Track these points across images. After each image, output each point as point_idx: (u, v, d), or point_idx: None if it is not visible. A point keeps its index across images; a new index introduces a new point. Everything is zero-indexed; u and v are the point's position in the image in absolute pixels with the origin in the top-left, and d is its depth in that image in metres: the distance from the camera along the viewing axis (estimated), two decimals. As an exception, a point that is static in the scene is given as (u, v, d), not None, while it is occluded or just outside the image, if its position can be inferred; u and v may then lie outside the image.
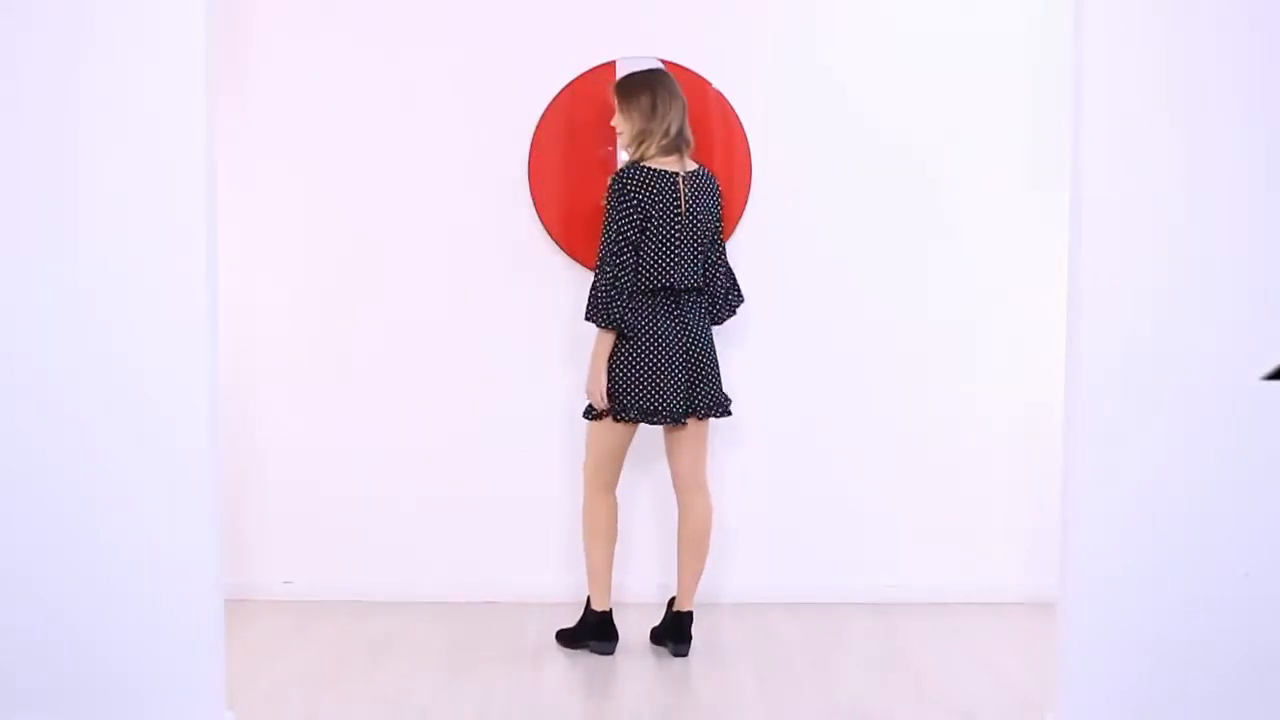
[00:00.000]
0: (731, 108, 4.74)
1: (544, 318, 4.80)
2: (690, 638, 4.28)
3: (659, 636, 4.35)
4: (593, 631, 4.29)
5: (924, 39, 4.79)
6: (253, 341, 4.78)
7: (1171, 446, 3.24)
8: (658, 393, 4.14)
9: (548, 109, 4.73)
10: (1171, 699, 3.27)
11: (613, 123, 4.27)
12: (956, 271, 4.83)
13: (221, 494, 3.37)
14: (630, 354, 4.15)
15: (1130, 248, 3.22)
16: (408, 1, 4.77)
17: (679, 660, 4.23)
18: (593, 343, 4.21)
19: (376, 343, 4.83)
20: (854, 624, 4.62)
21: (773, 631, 4.52)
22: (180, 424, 3.25)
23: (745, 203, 4.77)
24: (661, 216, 4.14)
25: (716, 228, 4.29)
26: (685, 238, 4.18)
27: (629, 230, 4.12)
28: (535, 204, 4.76)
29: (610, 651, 4.27)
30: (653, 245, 4.14)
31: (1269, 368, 3.20)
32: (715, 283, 4.30)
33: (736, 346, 4.74)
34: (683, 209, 4.17)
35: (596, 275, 4.13)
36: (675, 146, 4.19)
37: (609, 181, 4.18)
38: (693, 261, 4.20)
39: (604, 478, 4.27)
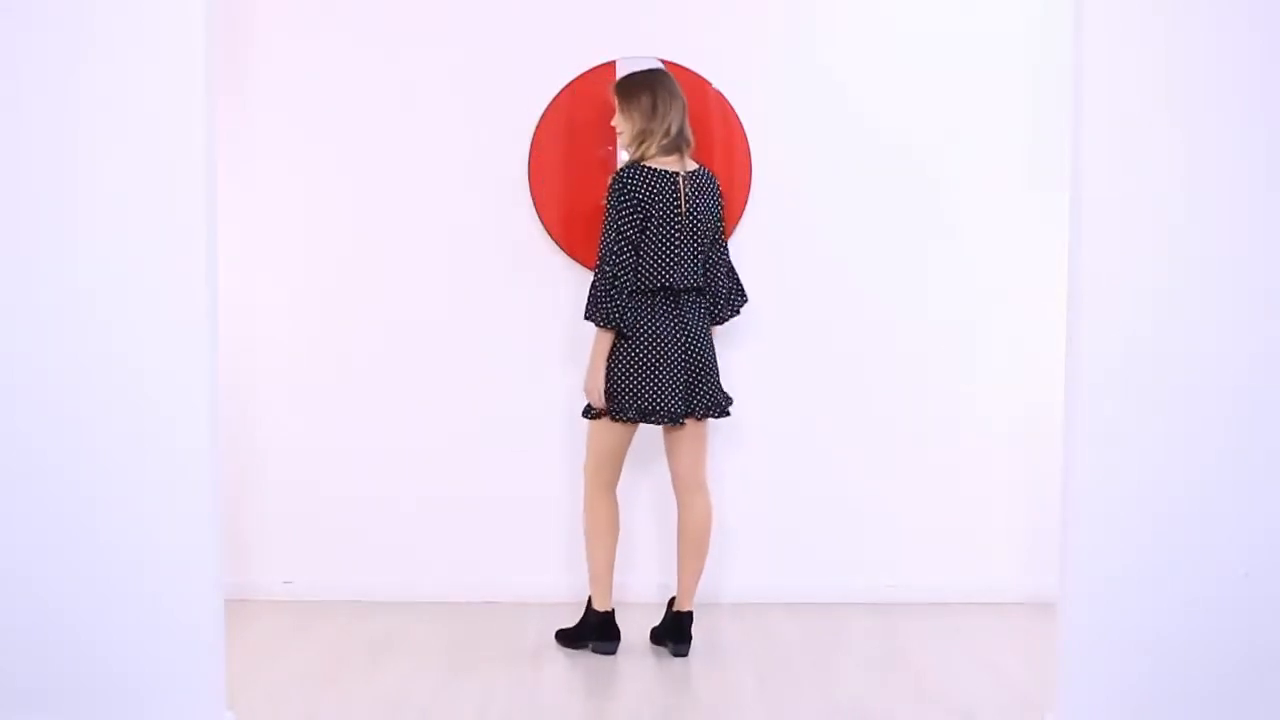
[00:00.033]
0: (731, 108, 4.74)
1: (544, 318, 4.80)
2: (690, 638, 4.29)
3: (659, 636, 4.35)
4: (595, 631, 4.29)
5: (924, 39, 4.79)
6: (253, 341, 4.78)
7: (1171, 446, 3.24)
8: (656, 392, 4.14)
9: (548, 109, 4.73)
10: (1171, 699, 3.27)
11: (613, 123, 4.27)
12: (956, 271, 4.83)
13: (221, 494, 3.37)
14: (629, 353, 4.15)
15: (1130, 248, 3.22)
16: (408, 1, 4.77)
17: (679, 660, 4.23)
18: (591, 342, 4.21)
19: (376, 343, 4.83)
20: (854, 624, 4.62)
21: (773, 631, 4.52)
22: (180, 424, 3.25)
23: (745, 203, 4.77)
24: (661, 216, 4.14)
25: (717, 227, 4.29)
26: (685, 238, 4.18)
27: (629, 230, 4.12)
28: (535, 204, 4.76)
29: (612, 651, 4.27)
30: (652, 245, 4.15)
31: (1269, 369, 3.21)
32: (716, 283, 4.30)
33: (736, 346, 4.74)
34: (683, 209, 4.17)
35: (596, 274, 4.13)
36: (676, 146, 4.19)
37: (609, 181, 4.18)
38: (692, 261, 4.21)
39: (604, 477, 4.27)
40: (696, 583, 4.31)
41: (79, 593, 3.27)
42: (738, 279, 4.36)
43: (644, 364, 4.14)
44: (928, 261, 4.83)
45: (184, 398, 3.25)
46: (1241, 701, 3.26)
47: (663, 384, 4.15)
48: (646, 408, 4.14)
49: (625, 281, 4.12)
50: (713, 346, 4.29)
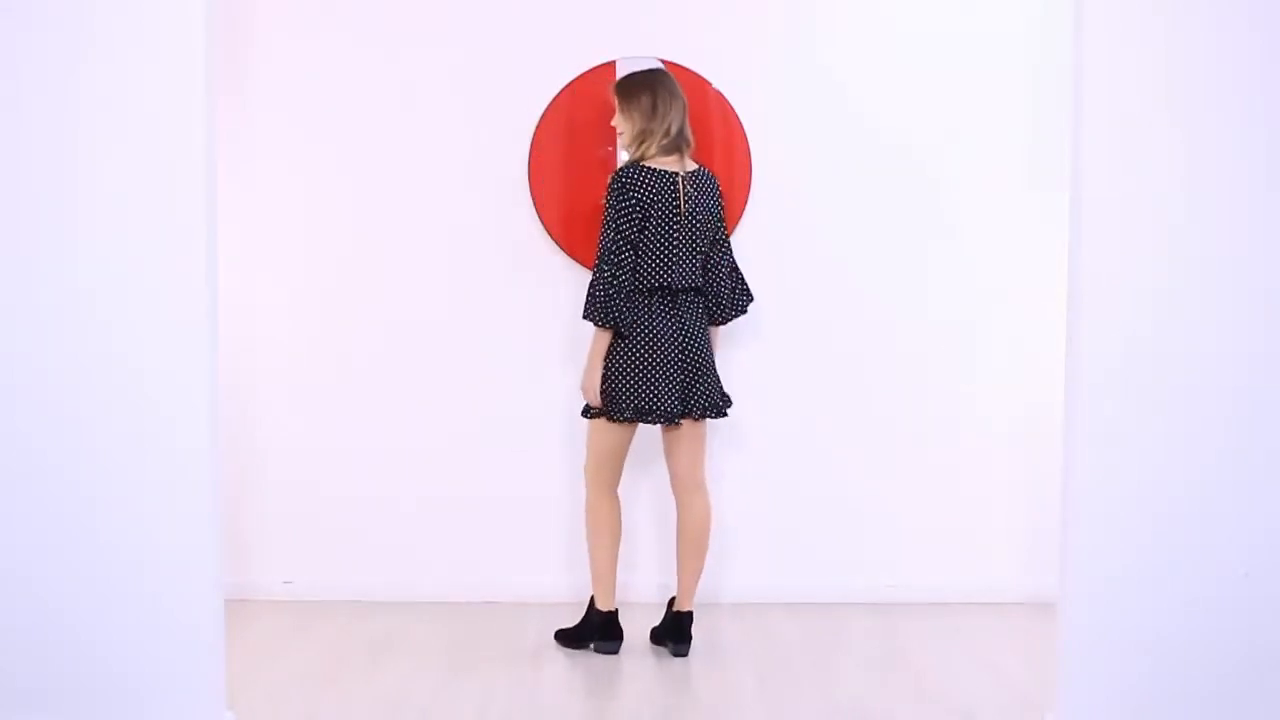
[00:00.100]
0: (731, 108, 4.74)
1: (544, 318, 4.80)
2: (690, 638, 4.28)
3: (659, 636, 4.35)
4: (598, 631, 4.29)
5: (924, 39, 4.79)
6: (253, 341, 4.78)
7: (1171, 446, 3.24)
8: (653, 392, 4.14)
9: (548, 109, 4.73)
10: (1171, 699, 3.27)
11: (613, 123, 4.27)
12: (956, 271, 4.83)
13: (221, 494, 3.37)
14: (626, 353, 4.15)
15: (1130, 248, 3.22)
16: (408, 1, 4.77)
17: (679, 660, 4.23)
18: (589, 341, 4.22)
19: (376, 343, 4.83)
20: (854, 624, 4.62)
21: (773, 631, 4.52)
22: (180, 424, 3.25)
23: (745, 203, 4.77)
24: (661, 216, 4.14)
25: (718, 228, 4.29)
26: (684, 238, 4.18)
27: (628, 229, 4.12)
28: (535, 204, 4.76)
29: (615, 651, 4.27)
30: (651, 245, 4.15)
31: (1269, 369, 3.21)
32: (718, 283, 4.30)
33: (736, 346, 4.74)
34: (682, 209, 4.17)
35: (595, 274, 4.13)
36: (676, 146, 4.19)
37: (609, 180, 4.18)
38: (691, 262, 4.20)
39: (605, 477, 4.27)
40: (696, 583, 4.31)
41: (79, 593, 3.27)
42: (742, 279, 4.36)
43: (641, 364, 4.14)
44: (928, 261, 4.83)
45: (184, 398, 3.25)
46: (1241, 701, 3.26)
47: (659, 384, 4.15)
48: (643, 407, 4.14)
49: (623, 281, 4.12)
50: (710, 347, 4.29)
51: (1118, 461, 3.24)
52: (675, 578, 4.35)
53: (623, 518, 4.36)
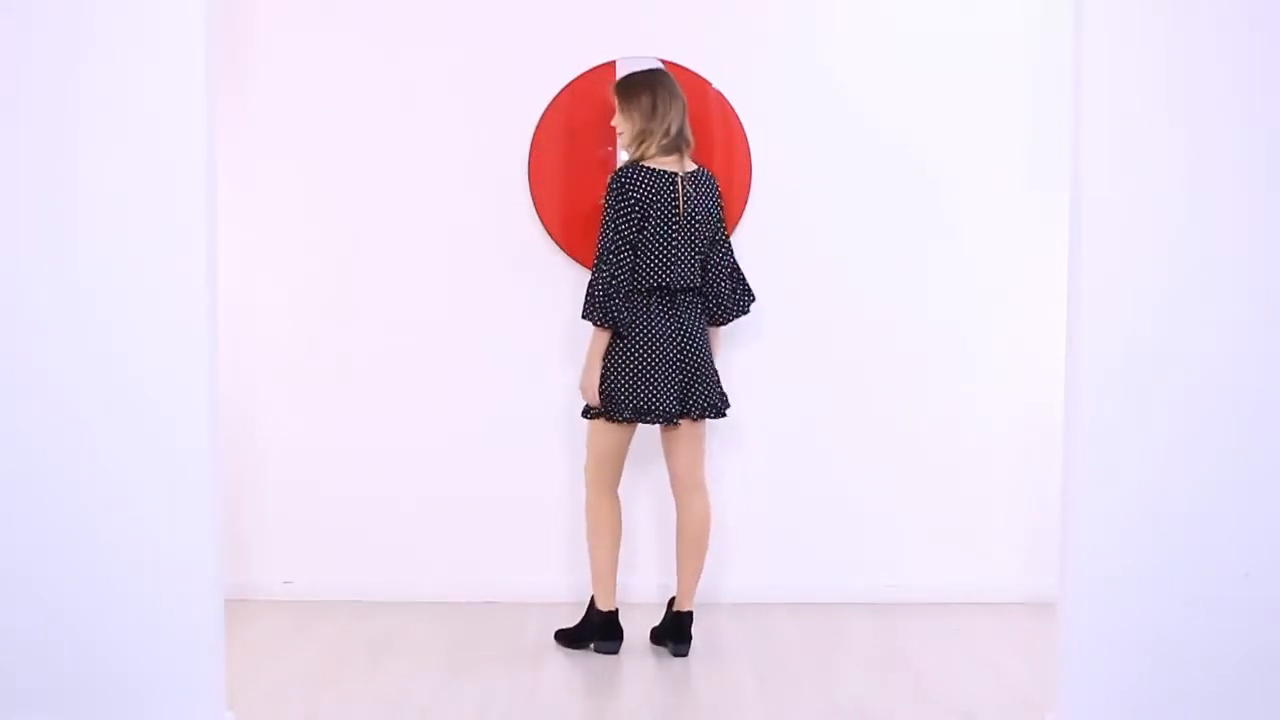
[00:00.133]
0: (731, 108, 4.74)
1: (544, 318, 4.80)
2: (690, 638, 4.28)
3: (659, 636, 4.35)
4: (598, 631, 4.29)
5: (924, 39, 4.79)
6: (253, 341, 4.78)
7: (1171, 446, 3.24)
8: (651, 392, 4.14)
9: (548, 109, 4.73)
10: (1171, 699, 3.27)
11: (613, 123, 4.27)
12: (956, 271, 4.83)
13: (221, 494, 3.37)
14: (625, 353, 4.15)
15: (1130, 248, 3.22)
16: (408, 1, 4.77)
17: (679, 660, 4.23)
18: (588, 341, 4.22)
19: (376, 343, 4.83)
20: (854, 624, 4.62)
21: (773, 631, 4.52)
22: (180, 424, 3.25)
23: (745, 203, 4.77)
24: (660, 216, 4.14)
25: (717, 228, 4.29)
26: (683, 238, 4.18)
27: (627, 229, 4.12)
28: (535, 204, 4.76)
29: (615, 651, 4.27)
30: (650, 245, 4.15)
31: (1269, 369, 3.21)
32: (717, 283, 4.29)
33: (736, 346, 4.74)
34: (681, 209, 4.17)
35: (593, 273, 4.13)
36: (675, 146, 4.19)
37: (608, 180, 4.18)
38: (690, 262, 4.20)
39: (605, 477, 4.27)
40: (696, 583, 4.31)
41: (79, 593, 3.27)
42: (743, 279, 4.35)
43: (639, 364, 4.14)
44: (928, 261, 4.83)
45: (184, 398, 3.25)
46: (1241, 701, 3.26)
47: (658, 384, 4.15)
48: (642, 407, 4.14)
49: (622, 281, 4.12)
50: (709, 347, 4.29)
51: (1118, 461, 3.24)
52: (675, 578, 4.35)
53: (623, 518, 4.36)
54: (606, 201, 4.15)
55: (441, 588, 4.84)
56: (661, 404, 4.15)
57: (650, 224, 4.14)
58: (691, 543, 4.29)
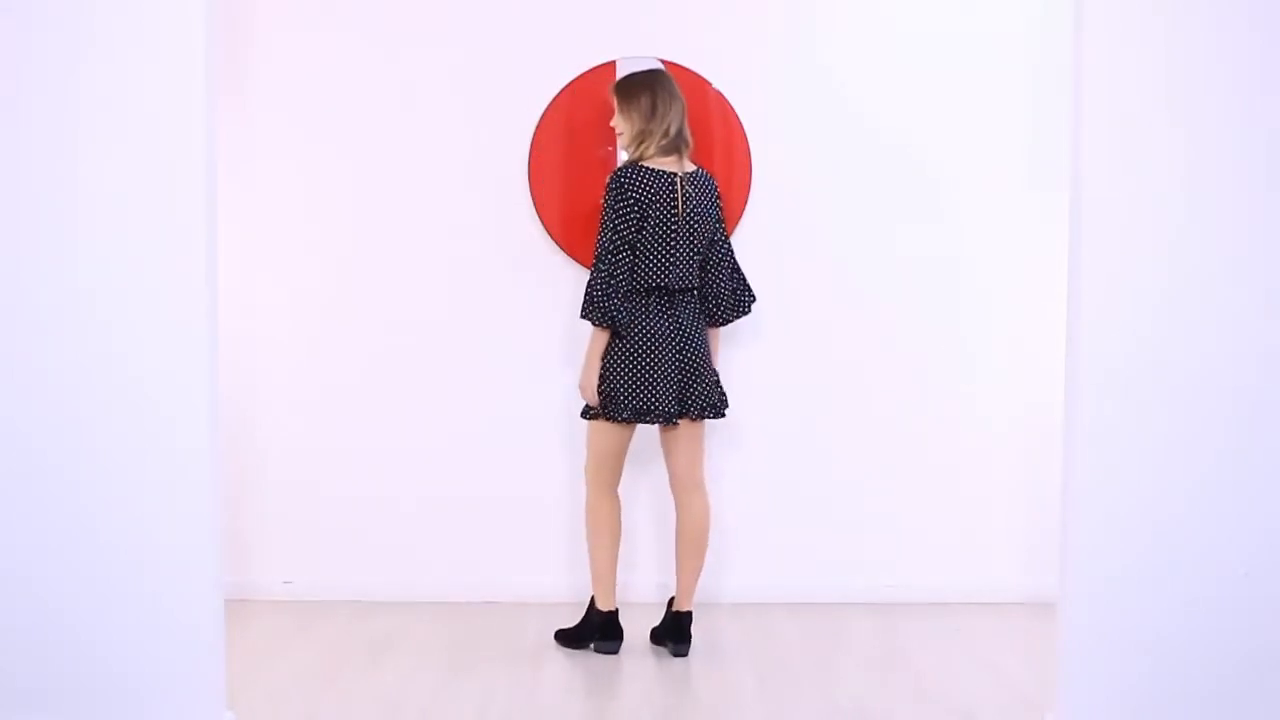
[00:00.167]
0: (731, 108, 4.74)
1: (544, 317, 4.80)
2: (690, 638, 4.28)
3: (659, 636, 4.35)
4: (598, 631, 4.29)
5: (924, 39, 4.79)
6: (253, 341, 4.78)
7: (1171, 446, 3.24)
8: (651, 392, 4.14)
9: (548, 109, 4.73)
10: (1171, 699, 3.27)
11: (612, 123, 4.27)
12: (956, 271, 4.83)
13: (221, 494, 3.37)
14: (624, 353, 4.15)
15: (1130, 248, 3.22)
16: (408, 1, 4.77)
17: (679, 660, 4.23)
18: (587, 340, 4.22)
19: (376, 343, 4.83)
20: (854, 624, 4.62)
21: (773, 631, 4.52)
22: (180, 424, 3.25)
23: (745, 203, 4.77)
24: (659, 216, 4.14)
25: (716, 229, 4.29)
26: (682, 239, 4.18)
27: (625, 229, 4.12)
28: (535, 204, 4.76)
29: (615, 651, 4.27)
30: (649, 245, 4.15)
31: (1269, 369, 3.21)
32: (717, 284, 4.29)
33: (736, 346, 4.74)
34: (680, 210, 4.17)
35: (592, 273, 4.13)
36: (675, 147, 4.19)
37: (607, 180, 4.18)
38: (688, 262, 4.20)
39: (605, 477, 4.27)
40: (695, 583, 4.31)
41: (79, 593, 3.27)
42: (744, 279, 4.35)
43: (638, 364, 4.14)
44: (928, 261, 4.83)
45: (184, 398, 3.25)
46: (1241, 701, 3.26)
47: (657, 384, 4.15)
48: (641, 408, 4.14)
49: (621, 281, 4.12)
50: (708, 347, 4.29)
51: (1118, 461, 3.24)
52: (674, 578, 4.35)
53: (623, 518, 4.36)
54: (606, 201, 4.15)
55: (441, 588, 4.84)
56: (661, 404, 4.15)
57: (649, 224, 4.14)
58: (691, 543, 4.29)
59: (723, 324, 4.36)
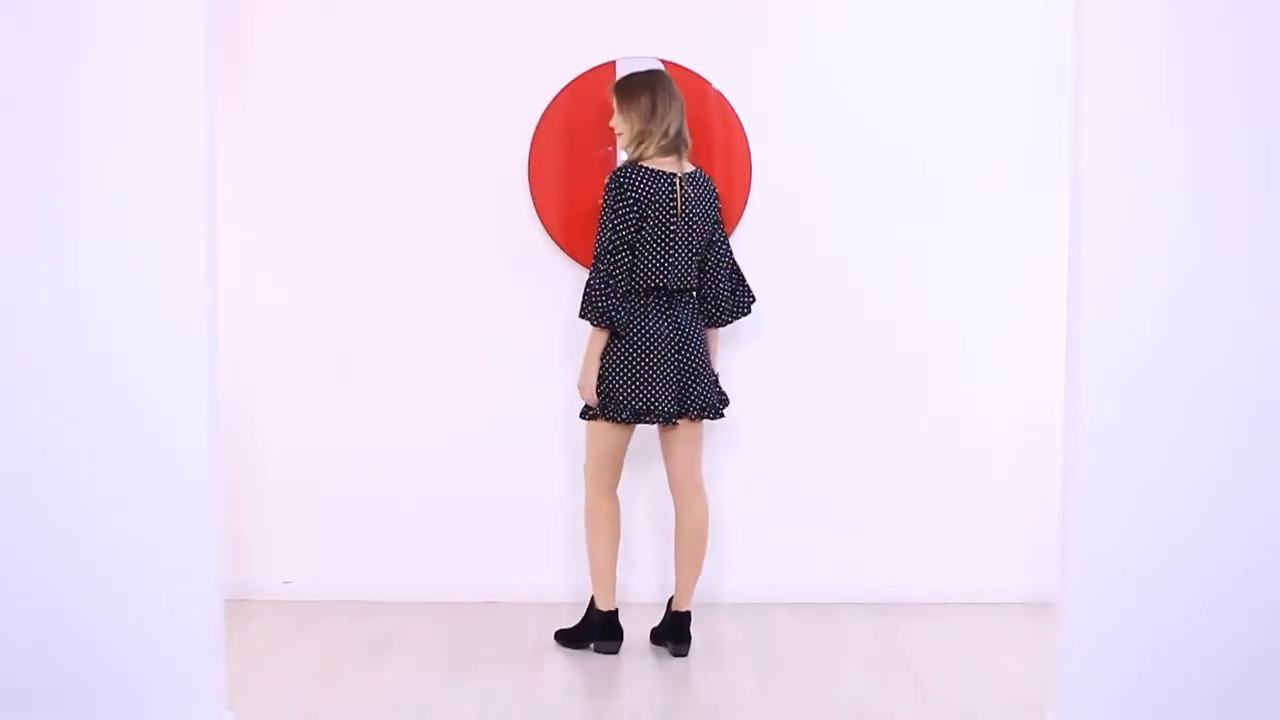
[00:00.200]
0: (731, 108, 4.74)
1: (544, 317, 4.80)
2: (690, 638, 4.28)
3: (659, 637, 4.35)
4: (598, 631, 4.29)
5: (924, 39, 4.79)
6: (253, 341, 4.78)
7: (1171, 446, 3.24)
8: (650, 392, 4.14)
9: (548, 109, 4.73)
10: (1171, 699, 3.27)
11: (611, 123, 4.27)
12: (956, 271, 4.83)
13: (221, 494, 3.37)
14: (623, 353, 4.15)
15: (1130, 248, 3.22)
16: (408, 1, 4.77)
17: (679, 660, 4.23)
18: (585, 340, 4.22)
19: (376, 343, 4.83)
20: (854, 624, 4.62)
21: (773, 631, 4.52)
22: (180, 424, 3.25)
23: (745, 203, 4.77)
24: (658, 217, 4.14)
25: (714, 230, 4.29)
26: (681, 239, 4.17)
27: (625, 230, 4.12)
28: (535, 204, 4.76)
29: (615, 651, 4.27)
30: (648, 245, 4.14)
31: (1269, 369, 3.21)
32: (715, 285, 4.29)
33: (736, 347, 4.74)
34: (679, 210, 4.16)
35: (591, 273, 4.13)
36: (674, 148, 4.19)
37: (607, 180, 4.18)
38: (687, 263, 4.20)
39: (604, 478, 4.27)
40: (695, 583, 4.31)
41: (79, 593, 3.27)
42: (743, 279, 4.35)
43: (638, 364, 4.14)
44: (928, 261, 4.83)
45: (184, 398, 3.25)
46: (1241, 701, 3.26)
47: (656, 384, 4.15)
48: (641, 408, 4.14)
49: (620, 281, 4.12)
50: (706, 348, 4.29)
51: (1118, 461, 3.24)
52: (674, 578, 4.35)
53: (622, 518, 4.36)
54: (605, 201, 4.15)
55: (441, 588, 4.84)
56: (660, 404, 4.15)
57: (649, 225, 4.13)
58: (690, 544, 4.29)
59: (722, 325, 4.36)
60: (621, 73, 4.53)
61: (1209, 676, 3.26)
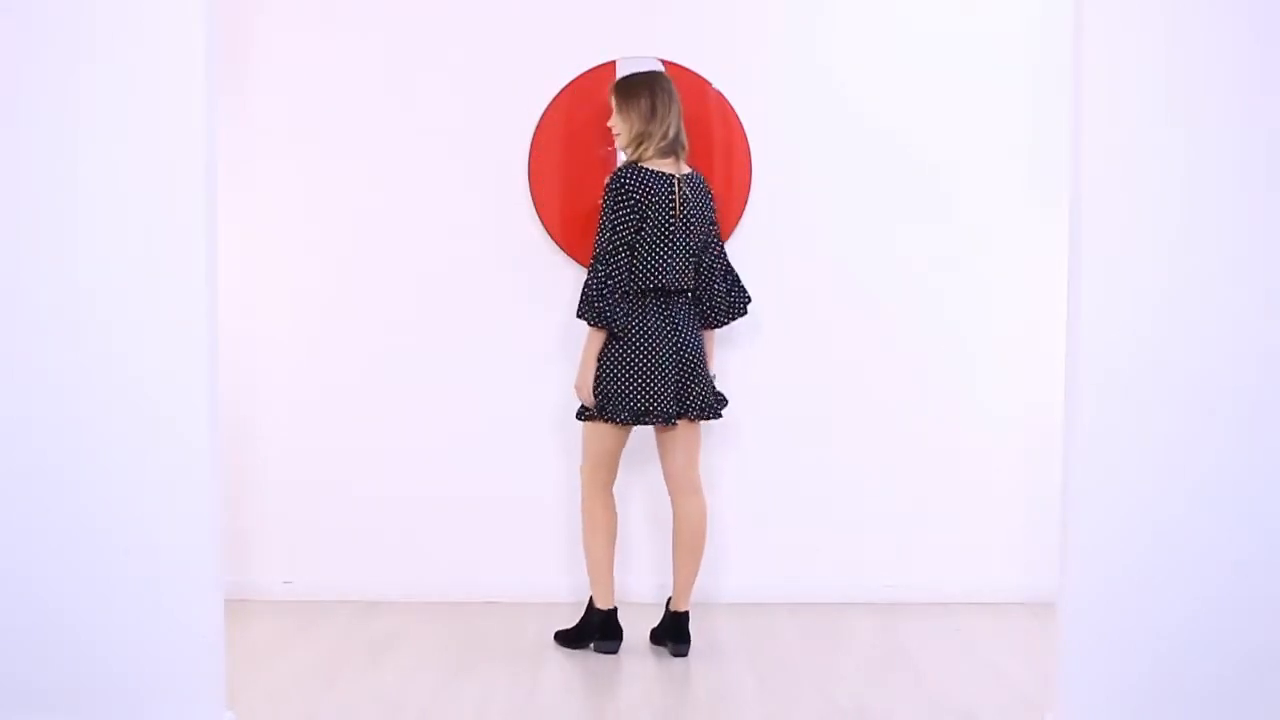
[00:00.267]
0: (731, 108, 4.74)
1: (543, 318, 4.80)
2: (689, 638, 4.28)
3: (658, 637, 4.35)
4: (597, 631, 4.29)
5: (924, 39, 4.79)
6: (253, 341, 4.78)
7: (1172, 446, 3.24)
8: (648, 393, 4.14)
9: (548, 109, 4.73)
10: (1171, 699, 3.27)
11: (609, 124, 4.27)
12: (956, 271, 4.83)
13: (221, 494, 3.37)
14: (621, 354, 4.15)
15: (1130, 248, 3.22)
16: (408, 2, 4.77)
17: (679, 660, 4.23)
18: (584, 341, 4.22)
19: (376, 343, 4.83)
20: (854, 624, 4.62)
21: (773, 631, 4.52)
22: (180, 424, 3.25)
23: (745, 203, 4.77)
24: (657, 218, 4.14)
25: (710, 231, 4.29)
26: (679, 241, 4.18)
27: (624, 230, 4.12)
28: (535, 204, 4.76)
29: (614, 650, 4.27)
30: (647, 246, 4.14)
31: (1269, 369, 3.20)
32: (711, 287, 4.29)
33: (735, 347, 4.74)
34: (678, 212, 4.16)
35: (590, 273, 4.13)
36: (672, 149, 4.19)
37: (607, 181, 4.18)
38: (685, 264, 4.21)
39: (601, 478, 4.27)
40: (693, 583, 4.31)
41: (79, 593, 3.27)
42: (738, 281, 4.35)
43: (636, 365, 4.14)
44: (928, 261, 4.83)
45: (184, 398, 3.25)
46: (1241, 701, 3.26)
47: (655, 385, 4.15)
48: (639, 409, 4.14)
49: (619, 282, 4.12)
50: (703, 348, 4.28)
51: (1118, 461, 3.24)
52: (671, 578, 4.35)
53: (618, 518, 4.36)
54: (605, 202, 4.15)
55: (441, 588, 4.84)
56: (659, 405, 4.15)
57: (648, 226, 4.13)
58: (687, 544, 4.29)
59: (718, 326, 4.36)
60: (621, 73, 4.53)
61: (1209, 676, 3.26)
